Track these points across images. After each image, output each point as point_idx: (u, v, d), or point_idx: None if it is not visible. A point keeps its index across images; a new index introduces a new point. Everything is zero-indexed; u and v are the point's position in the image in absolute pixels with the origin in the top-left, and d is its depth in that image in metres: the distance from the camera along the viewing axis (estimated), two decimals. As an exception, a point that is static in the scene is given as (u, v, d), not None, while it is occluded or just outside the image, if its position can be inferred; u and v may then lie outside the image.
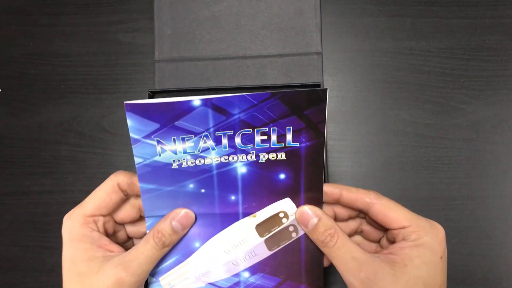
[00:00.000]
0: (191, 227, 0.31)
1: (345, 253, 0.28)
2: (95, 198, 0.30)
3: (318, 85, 0.43)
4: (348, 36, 0.45)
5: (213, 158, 0.31)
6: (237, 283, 0.33)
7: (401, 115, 0.44)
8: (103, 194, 0.30)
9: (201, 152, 0.31)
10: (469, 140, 0.43)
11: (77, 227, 0.29)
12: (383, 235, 0.33)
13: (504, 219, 0.42)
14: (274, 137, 0.30)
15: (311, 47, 0.44)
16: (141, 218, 0.33)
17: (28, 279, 0.43)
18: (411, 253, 0.27)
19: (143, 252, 0.29)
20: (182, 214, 0.30)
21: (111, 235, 0.32)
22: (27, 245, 0.44)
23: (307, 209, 0.30)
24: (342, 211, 0.32)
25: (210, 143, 0.30)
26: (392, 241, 0.31)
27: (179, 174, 0.31)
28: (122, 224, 0.33)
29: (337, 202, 0.31)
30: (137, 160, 0.30)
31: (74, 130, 0.45)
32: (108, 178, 0.30)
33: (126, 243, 0.34)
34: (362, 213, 0.32)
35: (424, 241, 0.27)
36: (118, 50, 0.46)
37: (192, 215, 0.31)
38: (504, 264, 0.41)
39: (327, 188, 0.31)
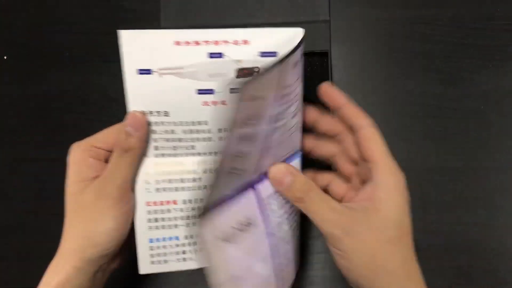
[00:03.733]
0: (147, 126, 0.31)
1: (323, 205, 0.28)
2: (104, 132, 0.32)
3: (325, 53, 0.42)
4: (356, 4, 0.44)
5: None
6: None
7: (409, 85, 0.43)
8: (114, 130, 0.31)
9: None
10: (477, 111, 0.43)
11: (79, 153, 0.31)
12: (345, 192, 0.33)
13: (511, 189, 0.42)
14: None
15: (319, 15, 0.44)
16: None
17: (35, 245, 0.43)
18: (382, 196, 0.28)
19: (113, 163, 0.30)
20: (129, 117, 0.30)
21: None
22: (35, 212, 0.44)
23: (280, 168, 0.30)
24: (330, 128, 0.33)
25: None
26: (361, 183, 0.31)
27: None
28: None
29: (336, 109, 0.32)
30: None
31: (79, 98, 0.45)
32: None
33: None
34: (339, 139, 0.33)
35: (391, 184, 0.28)
36: (124, 17, 0.45)
37: (138, 114, 0.30)
38: (509, 234, 0.41)
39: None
